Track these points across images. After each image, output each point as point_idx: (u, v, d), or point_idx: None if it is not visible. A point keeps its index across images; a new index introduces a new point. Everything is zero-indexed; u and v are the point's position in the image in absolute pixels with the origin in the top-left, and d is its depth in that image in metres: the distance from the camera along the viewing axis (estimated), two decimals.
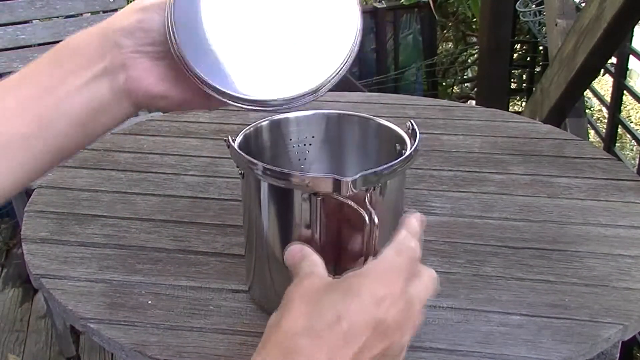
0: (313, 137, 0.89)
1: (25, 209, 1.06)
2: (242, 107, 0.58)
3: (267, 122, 0.87)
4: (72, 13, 2.19)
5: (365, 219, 0.68)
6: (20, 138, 0.54)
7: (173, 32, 0.55)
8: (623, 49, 2.29)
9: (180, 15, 0.56)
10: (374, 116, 0.88)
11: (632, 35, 2.31)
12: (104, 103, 0.55)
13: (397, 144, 0.80)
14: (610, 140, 2.46)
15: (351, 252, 0.77)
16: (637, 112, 4.42)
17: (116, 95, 0.56)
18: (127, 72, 0.55)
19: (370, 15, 3.63)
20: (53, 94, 0.55)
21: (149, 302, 0.85)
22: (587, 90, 2.60)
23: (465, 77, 4.39)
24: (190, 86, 0.57)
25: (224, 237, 0.98)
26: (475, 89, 3.81)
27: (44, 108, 0.54)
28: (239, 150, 0.76)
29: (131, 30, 0.56)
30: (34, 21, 2.15)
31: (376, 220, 0.67)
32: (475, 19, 3.97)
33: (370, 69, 3.70)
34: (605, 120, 2.76)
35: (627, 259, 0.94)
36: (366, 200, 0.69)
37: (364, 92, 2.41)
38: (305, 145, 0.89)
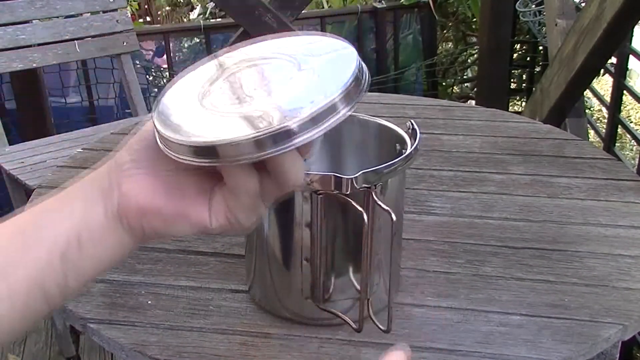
0: None
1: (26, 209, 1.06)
2: (237, 161, 0.46)
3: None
4: (72, 13, 2.19)
5: (365, 218, 0.68)
6: None
7: (153, 119, 0.50)
8: (623, 49, 2.29)
9: (164, 103, 0.52)
10: (374, 116, 0.88)
11: (632, 35, 2.31)
12: (94, 231, 0.49)
13: (397, 144, 0.80)
14: (610, 140, 2.46)
15: (351, 251, 0.77)
16: (637, 112, 4.42)
17: (110, 221, 0.49)
18: (120, 189, 0.49)
19: (370, 15, 3.62)
20: (44, 217, 0.50)
21: (149, 302, 0.85)
22: (587, 90, 2.60)
23: (465, 77, 4.39)
24: (186, 195, 0.49)
25: (223, 237, 0.98)
26: (475, 89, 3.81)
27: (30, 232, 0.49)
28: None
29: (130, 144, 0.52)
30: (34, 21, 2.15)
31: (378, 217, 0.67)
32: (475, 19, 3.97)
33: (370, 69, 3.69)
34: (605, 120, 2.77)
35: (627, 259, 0.94)
36: (366, 199, 0.70)
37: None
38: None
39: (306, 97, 0.47)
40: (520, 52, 3.81)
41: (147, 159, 0.50)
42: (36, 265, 0.48)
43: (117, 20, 2.24)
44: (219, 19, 4.23)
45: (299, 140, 0.45)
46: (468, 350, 0.77)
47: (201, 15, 4.69)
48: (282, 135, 0.44)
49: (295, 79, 0.49)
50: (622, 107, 2.61)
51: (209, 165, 0.46)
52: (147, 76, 3.42)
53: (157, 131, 0.49)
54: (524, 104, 3.61)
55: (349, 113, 0.46)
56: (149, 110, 2.67)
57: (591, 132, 2.73)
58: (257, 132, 0.44)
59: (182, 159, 0.47)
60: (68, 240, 0.49)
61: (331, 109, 0.45)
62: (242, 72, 0.53)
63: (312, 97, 0.46)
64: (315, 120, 0.45)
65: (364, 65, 0.49)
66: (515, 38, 3.42)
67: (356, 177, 0.67)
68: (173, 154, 0.48)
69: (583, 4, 2.43)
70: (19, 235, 0.49)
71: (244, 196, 0.48)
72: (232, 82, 0.52)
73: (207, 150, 0.46)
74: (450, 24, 4.16)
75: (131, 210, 0.49)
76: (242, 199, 0.48)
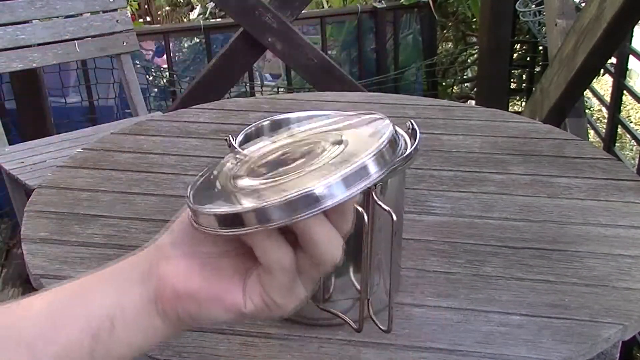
0: None
1: (25, 209, 1.06)
2: (263, 228, 0.44)
3: (268, 122, 0.87)
4: (72, 13, 2.19)
5: (365, 218, 0.68)
6: (28, 338, 0.48)
7: (188, 195, 0.51)
8: (623, 49, 2.29)
9: (201, 182, 0.53)
10: None
11: (632, 35, 2.31)
12: (128, 313, 0.48)
13: None
14: (610, 140, 2.46)
15: (351, 251, 0.77)
16: (637, 112, 4.42)
17: (145, 304, 0.49)
18: (158, 272, 0.49)
19: (370, 15, 3.62)
20: (80, 294, 0.50)
21: None
22: (587, 90, 2.60)
23: (465, 77, 4.39)
24: (221, 278, 0.48)
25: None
26: (475, 89, 3.81)
27: (65, 307, 0.49)
28: (239, 149, 0.76)
29: (172, 228, 0.52)
30: (34, 21, 2.16)
31: (379, 217, 0.67)
32: (475, 19, 3.96)
33: (370, 69, 3.70)
34: (605, 120, 2.77)
35: (627, 259, 0.94)
36: (366, 199, 0.69)
37: (364, 92, 2.41)
38: None
39: (337, 163, 0.45)
40: (520, 52, 3.81)
41: (185, 242, 0.50)
42: (66, 342, 0.47)
43: (117, 20, 2.24)
44: (219, 19, 4.23)
45: (328, 203, 0.42)
46: (468, 350, 0.77)
47: (201, 15, 4.69)
48: (308, 199, 0.42)
49: (330, 151, 0.48)
50: (622, 107, 2.61)
51: (236, 234, 0.45)
52: (147, 76, 3.42)
53: (188, 205, 0.49)
54: (524, 104, 3.61)
55: (382, 177, 0.44)
56: (149, 110, 2.67)
57: (591, 132, 2.73)
58: (282, 197, 0.43)
59: (208, 230, 0.46)
60: (101, 321, 0.48)
61: (362, 172, 0.43)
62: (278, 151, 0.52)
63: (343, 163, 0.44)
64: (345, 182, 0.43)
65: (403, 134, 0.48)
66: (515, 38, 3.42)
67: None
68: (201, 227, 0.47)
69: (583, 4, 2.43)
70: (52, 310, 0.49)
71: (278, 273, 0.46)
72: (268, 161, 0.52)
73: (233, 219, 0.45)
74: (450, 24, 4.16)
75: (166, 293, 0.48)
76: (277, 277, 0.46)
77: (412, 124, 0.80)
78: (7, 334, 0.48)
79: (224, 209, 0.46)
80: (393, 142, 0.46)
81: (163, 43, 3.26)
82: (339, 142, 0.49)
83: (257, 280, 0.48)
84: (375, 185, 0.69)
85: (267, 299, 0.47)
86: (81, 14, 2.21)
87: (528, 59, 3.71)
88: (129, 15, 2.30)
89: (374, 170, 0.44)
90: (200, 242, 0.49)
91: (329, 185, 0.43)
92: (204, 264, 0.49)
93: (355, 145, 0.48)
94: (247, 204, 0.44)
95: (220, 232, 0.46)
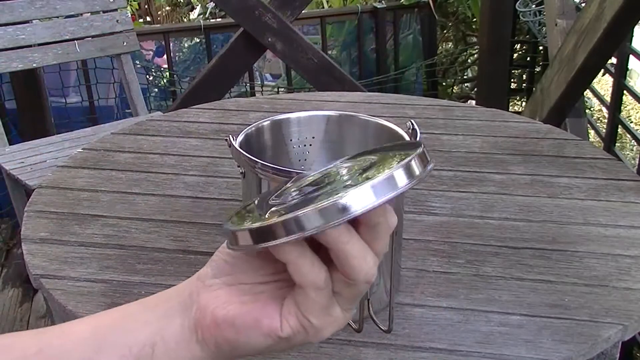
0: (313, 137, 0.89)
1: (25, 209, 1.06)
2: (290, 239, 0.45)
3: (269, 122, 0.87)
4: (72, 13, 2.19)
5: None
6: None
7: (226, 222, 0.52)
8: (623, 49, 2.29)
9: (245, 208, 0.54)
10: (374, 116, 0.88)
11: (632, 35, 2.32)
12: (169, 342, 0.49)
13: None
14: (610, 140, 2.46)
15: None
16: (637, 112, 4.42)
17: (185, 333, 0.50)
18: (199, 302, 0.50)
19: (370, 15, 3.62)
20: (122, 321, 0.51)
21: None
22: (587, 90, 2.60)
23: (465, 77, 4.39)
24: (259, 303, 0.49)
25: (224, 237, 0.98)
26: (475, 89, 3.81)
27: (107, 334, 0.50)
28: (240, 149, 0.76)
29: (213, 259, 0.52)
30: (34, 21, 2.16)
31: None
32: (475, 19, 3.97)
33: (370, 69, 3.70)
34: (605, 120, 2.77)
35: (627, 259, 0.94)
36: None
37: (364, 92, 2.41)
38: (305, 145, 0.89)
39: (365, 176, 0.45)
40: (520, 52, 3.81)
41: (225, 271, 0.51)
42: None
43: (117, 20, 2.24)
44: (219, 19, 4.23)
45: (356, 211, 0.42)
46: (468, 350, 0.77)
47: (201, 15, 4.69)
48: (336, 208, 0.42)
49: (359, 168, 0.49)
50: (622, 107, 2.61)
51: (268, 247, 0.45)
52: (147, 76, 3.42)
53: (223, 226, 0.50)
54: (524, 104, 3.62)
55: (409, 187, 0.45)
56: (149, 110, 2.68)
57: (591, 132, 2.73)
58: (310, 206, 0.43)
59: (243, 249, 0.48)
60: (142, 347, 0.49)
61: (390, 182, 0.44)
62: (316, 173, 0.53)
63: (371, 174, 0.45)
64: (374, 191, 0.43)
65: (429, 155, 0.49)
66: (515, 38, 3.43)
67: None
68: (236, 247, 0.48)
69: (583, 4, 2.43)
70: (95, 335, 0.50)
71: (312, 291, 0.47)
72: (299, 189, 0.52)
73: (265, 233, 0.45)
74: (450, 24, 4.17)
75: (206, 322, 0.49)
76: (311, 296, 0.47)
77: (412, 124, 0.80)
78: (49, 355, 0.49)
79: (255, 224, 0.47)
80: (423, 156, 0.47)
81: (163, 43, 3.26)
82: (371, 160, 0.50)
83: (293, 301, 0.48)
84: None
85: (302, 319, 0.48)
86: (81, 14, 2.21)
87: (528, 59, 3.71)
88: (129, 15, 2.30)
89: (402, 181, 0.44)
90: (240, 270, 0.50)
91: (356, 194, 0.43)
92: (243, 292, 0.50)
93: (385, 160, 0.49)
94: (278, 217, 0.45)
95: (254, 248, 0.47)
